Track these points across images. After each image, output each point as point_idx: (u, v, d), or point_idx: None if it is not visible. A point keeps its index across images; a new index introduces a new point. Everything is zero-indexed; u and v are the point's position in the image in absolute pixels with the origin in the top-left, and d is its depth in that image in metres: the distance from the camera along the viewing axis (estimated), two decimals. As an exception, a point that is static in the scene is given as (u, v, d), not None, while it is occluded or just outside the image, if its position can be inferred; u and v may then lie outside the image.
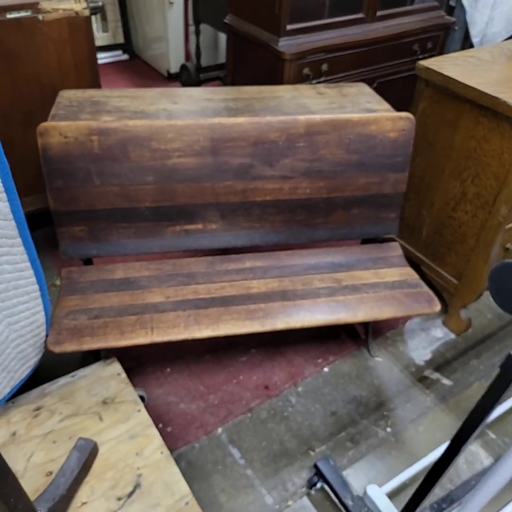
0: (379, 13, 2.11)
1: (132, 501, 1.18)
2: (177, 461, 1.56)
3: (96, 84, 2.01)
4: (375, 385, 1.83)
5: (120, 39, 4.16)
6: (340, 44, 2.01)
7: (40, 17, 1.73)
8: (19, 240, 1.11)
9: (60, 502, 1.12)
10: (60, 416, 1.35)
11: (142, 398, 1.64)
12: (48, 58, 1.83)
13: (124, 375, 1.47)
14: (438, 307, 1.53)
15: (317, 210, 1.68)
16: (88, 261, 1.66)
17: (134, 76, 3.88)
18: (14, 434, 1.29)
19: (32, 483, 1.19)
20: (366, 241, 1.84)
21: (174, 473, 1.25)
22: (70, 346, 1.32)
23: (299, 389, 1.80)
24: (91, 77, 1.98)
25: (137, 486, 1.22)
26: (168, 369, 1.83)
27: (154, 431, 1.33)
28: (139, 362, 1.84)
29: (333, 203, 1.68)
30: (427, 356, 1.95)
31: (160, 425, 1.64)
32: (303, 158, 1.58)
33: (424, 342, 1.99)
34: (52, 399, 1.39)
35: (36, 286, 1.17)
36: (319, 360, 1.90)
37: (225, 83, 3.74)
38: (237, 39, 2.12)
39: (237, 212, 1.64)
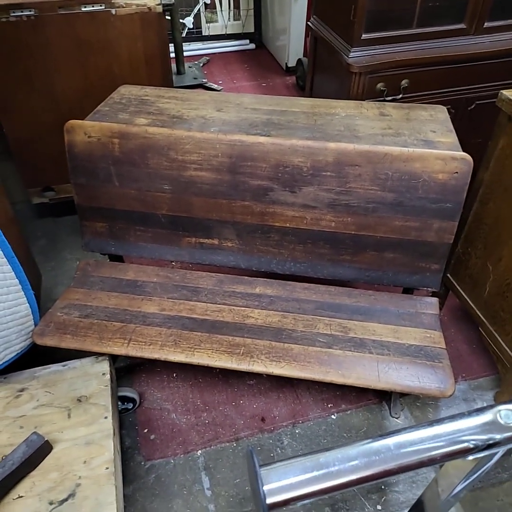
0: (487, 24, 1.78)
1: (60, 510, 1.20)
2: (148, 472, 1.57)
3: (167, 81, 2.03)
4: (382, 451, 1.62)
5: (250, 28, 4.17)
6: (430, 58, 1.75)
7: (113, 11, 1.78)
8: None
9: (-11, 489, 1.18)
10: (36, 403, 1.42)
11: (133, 400, 1.67)
12: (119, 52, 1.88)
13: (108, 376, 1.50)
14: (450, 391, 1.28)
15: (343, 246, 1.51)
16: (116, 258, 1.70)
17: (254, 67, 3.86)
18: (-9, 409, 1.40)
19: (-19, 462, 1.27)
20: (404, 290, 1.61)
21: (109, 494, 1.24)
22: (51, 341, 1.37)
23: (297, 431, 1.67)
24: (162, 73, 2.00)
25: (71, 495, 1.24)
26: (175, 374, 1.82)
27: (110, 443, 1.33)
28: (152, 360, 1.87)
29: (363, 242, 1.48)
30: (459, 433, 1.66)
31: (146, 430, 1.65)
32: (330, 188, 1.41)
33: (460, 417, 1.70)
34: (38, 383, 1.47)
35: (16, 281, 1.23)
36: (330, 405, 1.73)
37: (299, 85, 3.55)
38: (317, 43, 1.97)
39: (254, 234, 1.54)
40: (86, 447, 1.33)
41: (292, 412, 1.71)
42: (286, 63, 3.73)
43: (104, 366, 1.52)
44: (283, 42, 3.70)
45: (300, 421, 1.69)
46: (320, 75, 2.02)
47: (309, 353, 1.35)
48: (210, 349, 1.36)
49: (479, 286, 1.73)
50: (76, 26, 1.78)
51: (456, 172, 1.35)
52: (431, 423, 0.58)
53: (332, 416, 1.71)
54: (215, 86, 3.51)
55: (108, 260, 1.70)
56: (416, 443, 0.56)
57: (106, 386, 1.47)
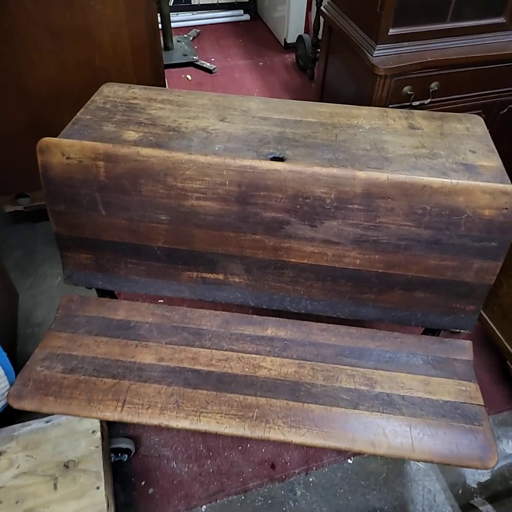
0: (530, 17, 1.54)
1: None
2: (145, 532, 1.41)
3: (158, 74, 1.76)
4: (403, 501, 1.48)
5: (245, -3, 3.81)
6: (466, 58, 1.51)
7: (93, -5, 1.50)
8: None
9: None
10: (17, 471, 1.24)
11: (128, 450, 1.49)
12: (101, 41, 1.61)
13: (98, 434, 1.32)
14: (493, 462, 1.12)
15: (367, 285, 1.31)
16: (105, 292, 1.49)
17: (249, 42, 3.54)
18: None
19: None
20: (428, 330, 1.43)
21: None
22: (30, 405, 1.17)
23: (311, 479, 1.52)
24: (152, 66, 1.73)
25: None
26: (173, 412, 1.64)
27: (104, 520, 1.16)
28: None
29: (391, 281, 1.29)
30: (486, 476, 1.53)
31: (143, 483, 1.48)
32: (356, 223, 1.21)
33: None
34: (17, 446, 1.28)
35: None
36: (344, 447, 1.57)
37: (299, 66, 3.25)
38: (333, 34, 1.71)
39: (266, 270, 1.33)
40: (76, 527, 1.15)
41: (304, 457, 1.56)
42: (285, 39, 3.43)
43: (94, 422, 1.33)
44: (281, 13, 3.38)
45: (314, 468, 1.54)
46: (334, 69, 1.77)
47: (332, 415, 1.18)
48: (218, 413, 1.17)
49: (509, 317, 1.57)
50: (48, 10, 1.50)
51: (506, 208, 1.15)
52: None
53: (349, 461, 1.56)
54: (207, 64, 3.20)
55: (96, 294, 1.48)
56: None
57: (97, 447, 1.29)
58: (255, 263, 1.32)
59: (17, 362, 1.59)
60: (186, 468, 1.52)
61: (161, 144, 1.33)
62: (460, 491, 1.49)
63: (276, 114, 1.44)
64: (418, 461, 1.15)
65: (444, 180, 1.14)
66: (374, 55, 1.47)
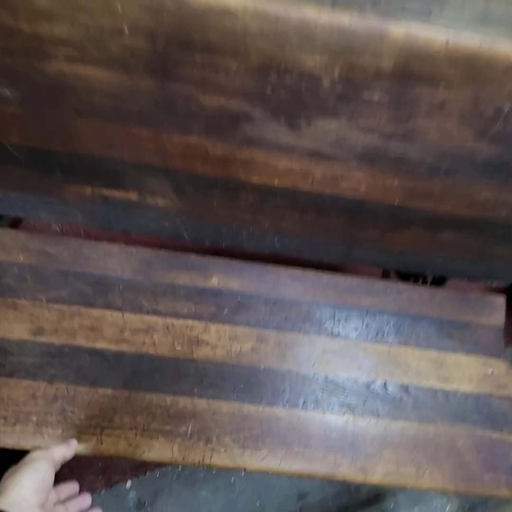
0: None
1: None
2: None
3: None
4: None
5: None
6: None
7: None
8: None
9: None
10: None
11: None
12: None
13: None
14: (528, 492, 0.80)
15: (371, 221, 0.82)
16: None
17: None
18: None
19: None
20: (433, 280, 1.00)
21: None
22: None
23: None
24: None
25: None
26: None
27: None
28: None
29: (409, 217, 0.81)
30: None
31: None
32: (372, 127, 0.66)
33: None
34: None
35: None
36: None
37: None
38: None
39: (210, 191, 0.80)
40: None
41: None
42: None
43: None
44: None
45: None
46: None
47: (307, 425, 0.79)
48: (131, 429, 0.75)
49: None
50: None
51: None
52: None
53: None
54: None
55: None
56: None
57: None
58: (191, 180, 0.78)
59: None
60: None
61: None
62: None
63: None
64: (426, 490, 0.82)
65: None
66: None
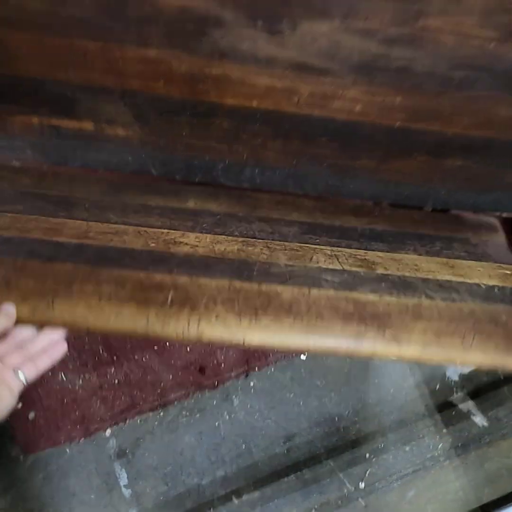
0: None
1: None
2: (30, 470, 1.05)
3: None
4: (367, 403, 1.18)
5: None
6: None
7: None
8: None
9: None
10: None
11: None
12: None
13: None
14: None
15: (366, 147, 0.71)
16: None
17: None
18: None
19: None
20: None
21: None
22: None
23: (252, 383, 1.16)
24: None
25: None
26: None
27: None
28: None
29: (412, 141, 0.70)
30: (470, 367, 1.24)
31: (19, 405, 1.06)
32: (371, 29, 0.54)
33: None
34: None
35: None
36: (298, 339, 1.19)
37: None
38: None
39: (177, 117, 0.67)
40: None
41: (243, 355, 1.17)
42: None
43: None
44: None
45: (256, 368, 1.16)
46: None
47: (315, 299, 0.68)
48: (91, 295, 0.63)
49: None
50: None
51: None
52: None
53: (301, 356, 1.19)
54: None
55: None
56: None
57: None
58: (153, 104, 0.65)
59: None
60: (80, 381, 1.09)
61: None
62: (437, 387, 1.20)
63: None
64: (465, 364, 0.74)
65: None
66: None
